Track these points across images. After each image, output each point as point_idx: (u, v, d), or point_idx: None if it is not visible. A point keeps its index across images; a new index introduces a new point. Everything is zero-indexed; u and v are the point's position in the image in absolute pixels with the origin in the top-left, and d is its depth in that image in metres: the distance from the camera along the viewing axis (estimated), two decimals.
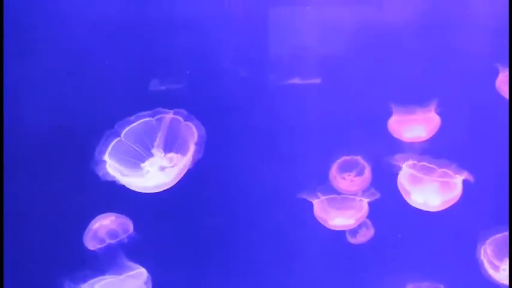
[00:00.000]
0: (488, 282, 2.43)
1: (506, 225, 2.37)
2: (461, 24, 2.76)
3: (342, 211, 2.64)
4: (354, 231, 2.76)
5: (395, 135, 2.65)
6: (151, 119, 2.05)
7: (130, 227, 2.47)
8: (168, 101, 2.51)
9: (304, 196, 2.63)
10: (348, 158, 2.70)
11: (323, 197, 2.63)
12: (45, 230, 2.74)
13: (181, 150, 2.02)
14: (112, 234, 2.45)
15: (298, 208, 2.70)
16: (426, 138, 2.61)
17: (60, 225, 2.70)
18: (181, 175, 2.03)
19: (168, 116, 2.04)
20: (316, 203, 2.64)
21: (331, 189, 2.68)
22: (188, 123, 2.03)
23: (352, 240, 2.79)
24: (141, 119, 2.04)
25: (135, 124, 2.04)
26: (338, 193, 2.67)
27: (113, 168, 1.96)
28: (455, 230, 2.74)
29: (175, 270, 2.77)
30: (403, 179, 2.40)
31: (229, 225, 2.90)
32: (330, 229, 2.70)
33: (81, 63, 2.65)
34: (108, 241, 2.43)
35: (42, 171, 2.73)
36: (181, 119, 2.03)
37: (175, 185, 2.06)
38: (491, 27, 2.71)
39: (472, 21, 2.73)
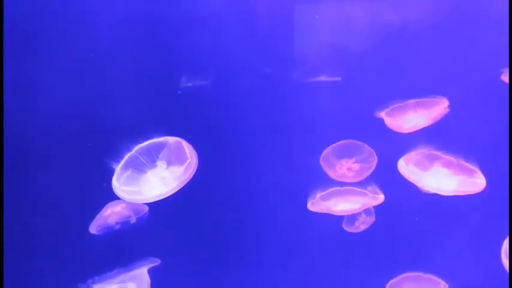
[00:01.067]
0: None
1: None
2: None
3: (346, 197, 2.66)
4: (353, 218, 2.78)
5: (397, 130, 2.65)
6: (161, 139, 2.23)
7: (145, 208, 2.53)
8: (189, 100, 2.72)
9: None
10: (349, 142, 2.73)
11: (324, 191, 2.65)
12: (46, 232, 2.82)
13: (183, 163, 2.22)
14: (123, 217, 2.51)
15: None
16: (427, 124, 2.60)
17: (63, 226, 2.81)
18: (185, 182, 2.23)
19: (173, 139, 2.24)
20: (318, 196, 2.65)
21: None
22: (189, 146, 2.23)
23: (350, 228, 2.81)
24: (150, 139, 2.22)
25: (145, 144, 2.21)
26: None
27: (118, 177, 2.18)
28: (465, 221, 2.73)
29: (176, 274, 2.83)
30: (413, 166, 2.41)
31: (239, 222, 2.97)
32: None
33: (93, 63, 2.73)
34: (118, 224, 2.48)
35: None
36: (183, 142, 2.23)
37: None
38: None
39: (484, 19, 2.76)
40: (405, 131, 2.62)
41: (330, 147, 2.75)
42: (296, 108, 2.84)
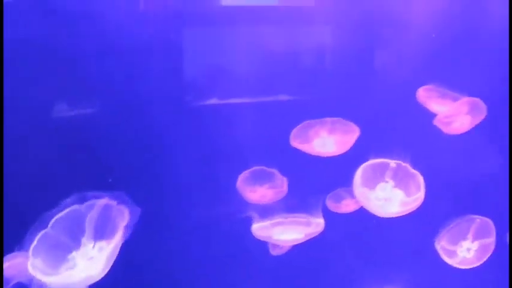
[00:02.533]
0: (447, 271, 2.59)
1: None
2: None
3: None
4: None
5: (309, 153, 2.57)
6: (80, 206, 1.80)
7: None
8: (78, 126, 2.43)
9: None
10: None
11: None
12: None
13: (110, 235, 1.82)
14: None
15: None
16: (339, 149, 2.56)
17: None
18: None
19: (101, 202, 1.82)
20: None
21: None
22: (121, 206, 1.85)
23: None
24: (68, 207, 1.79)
25: (62, 214, 1.77)
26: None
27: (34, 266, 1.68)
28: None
29: None
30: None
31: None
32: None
33: None
34: None
35: None
36: (114, 203, 1.84)
37: None
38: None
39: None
40: (319, 154, 2.56)
41: (243, 173, 2.63)
42: (191, 131, 2.66)
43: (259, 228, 2.44)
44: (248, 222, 2.54)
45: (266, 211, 2.46)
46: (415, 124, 2.72)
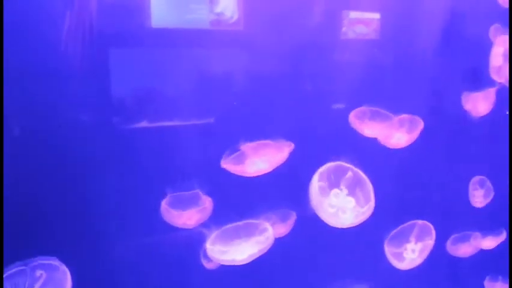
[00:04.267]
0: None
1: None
2: None
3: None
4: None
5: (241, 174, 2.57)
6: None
7: None
8: None
9: None
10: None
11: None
12: None
13: None
14: None
15: None
16: (270, 168, 2.57)
17: None
18: None
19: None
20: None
21: None
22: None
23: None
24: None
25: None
26: None
27: None
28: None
29: None
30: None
31: None
32: None
33: None
34: None
35: None
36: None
37: None
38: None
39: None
40: (250, 175, 2.55)
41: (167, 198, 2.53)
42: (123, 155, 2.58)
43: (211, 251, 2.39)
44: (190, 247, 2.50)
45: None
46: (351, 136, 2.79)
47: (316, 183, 2.32)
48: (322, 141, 2.73)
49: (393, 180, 3.01)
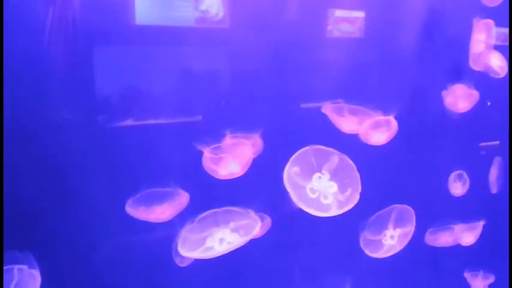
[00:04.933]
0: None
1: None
2: None
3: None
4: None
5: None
6: None
7: None
8: None
9: None
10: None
11: None
12: None
13: None
14: None
15: None
16: (240, 173, 2.57)
17: None
18: None
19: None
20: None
21: None
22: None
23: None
24: None
25: None
26: None
27: None
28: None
29: None
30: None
31: None
32: None
33: None
34: None
35: None
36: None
37: None
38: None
39: None
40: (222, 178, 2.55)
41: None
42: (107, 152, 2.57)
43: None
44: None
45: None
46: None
47: (292, 168, 2.28)
48: (304, 137, 2.74)
49: (373, 172, 3.01)
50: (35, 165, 2.40)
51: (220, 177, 2.52)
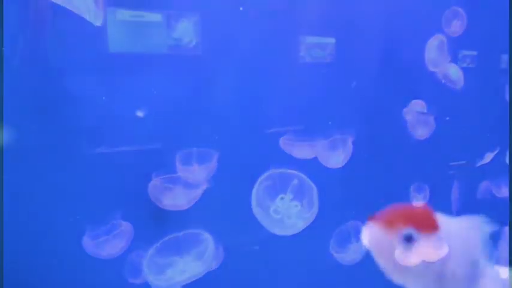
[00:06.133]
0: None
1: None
2: None
3: None
4: None
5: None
6: None
7: None
8: None
9: None
10: None
11: None
12: None
13: None
14: None
15: None
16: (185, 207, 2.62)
17: None
18: None
19: None
20: None
21: None
22: None
23: None
24: None
25: None
26: None
27: None
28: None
29: None
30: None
31: None
32: None
33: None
34: None
35: None
36: None
37: None
38: None
39: None
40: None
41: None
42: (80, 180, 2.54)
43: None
44: None
45: None
46: None
47: (258, 190, 2.41)
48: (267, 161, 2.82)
49: (334, 187, 3.07)
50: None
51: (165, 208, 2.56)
